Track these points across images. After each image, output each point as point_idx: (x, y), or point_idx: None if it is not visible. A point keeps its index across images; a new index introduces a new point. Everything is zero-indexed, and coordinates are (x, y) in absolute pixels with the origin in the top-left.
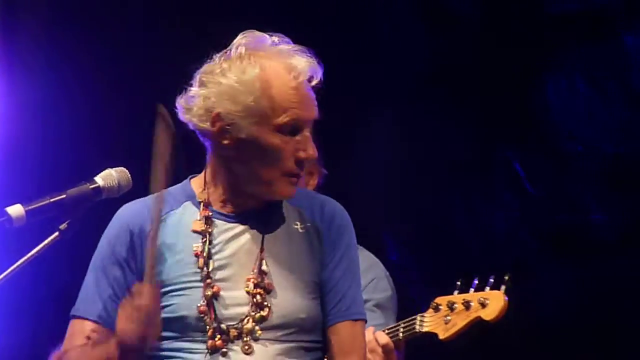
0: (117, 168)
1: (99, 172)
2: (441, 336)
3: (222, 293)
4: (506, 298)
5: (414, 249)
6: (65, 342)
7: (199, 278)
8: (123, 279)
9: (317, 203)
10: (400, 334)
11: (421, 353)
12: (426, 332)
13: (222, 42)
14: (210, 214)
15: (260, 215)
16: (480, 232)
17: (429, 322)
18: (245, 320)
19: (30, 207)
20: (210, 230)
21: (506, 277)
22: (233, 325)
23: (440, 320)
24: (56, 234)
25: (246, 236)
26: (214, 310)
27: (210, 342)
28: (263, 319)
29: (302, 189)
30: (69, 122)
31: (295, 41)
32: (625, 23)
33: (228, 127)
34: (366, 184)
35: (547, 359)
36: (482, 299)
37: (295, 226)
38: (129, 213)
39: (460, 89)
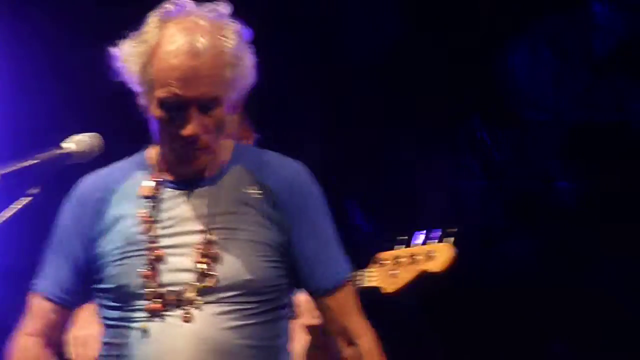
0: (89, 133)
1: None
2: (387, 290)
3: (167, 258)
4: (455, 249)
5: (379, 217)
6: (26, 318)
7: (142, 246)
8: (75, 254)
9: (275, 165)
10: None
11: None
12: (370, 287)
13: None
14: (158, 179)
15: (209, 181)
16: (445, 199)
17: (373, 277)
18: (187, 290)
19: (1, 172)
20: (157, 195)
21: (454, 230)
22: (174, 291)
23: (386, 274)
24: (28, 198)
25: (194, 202)
26: (158, 274)
27: (149, 305)
28: (207, 288)
29: (261, 150)
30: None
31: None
32: None
33: (138, 92)
34: (330, 151)
35: (510, 323)
36: (429, 251)
37: (248, 190)
38: (84, 184)
39: (425, 57)
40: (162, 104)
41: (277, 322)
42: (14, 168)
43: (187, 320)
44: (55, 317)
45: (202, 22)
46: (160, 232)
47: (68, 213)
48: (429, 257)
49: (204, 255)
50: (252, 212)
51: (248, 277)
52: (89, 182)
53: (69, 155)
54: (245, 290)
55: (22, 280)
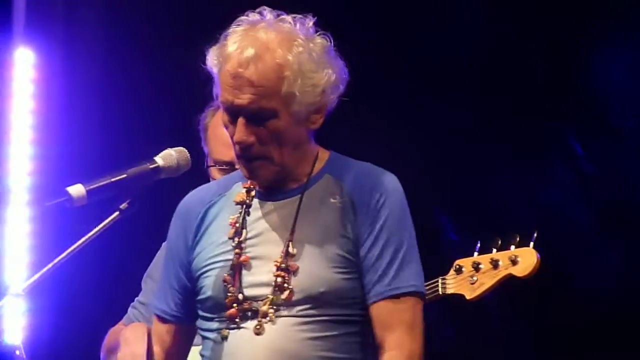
0: (176, 148)
1: (159, 153)
2: (468, 296)
3: (251, 264)
4: (538, 255)
5: (470, 230)
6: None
7: (229, 252)
8: (178, 271)
9: (362, 176)
10: None
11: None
12: (451, 294)
13: None
14: (252, 187)
15: (297, 190)
16: (535, 210)
17: (453, 284)
18: (262, 302)
19: (91, 187)
20: (249, 202)
21: (534, 234)
22: (250, 301)
23: (466, 281)
24: (116, 213)
25: (280, 213)
26: (240, 280)
27: (228, 311)
28: (282, 301)
29: (357, 161)
30: (130, 103)
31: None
32: None
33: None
34: (418, 164)
35: (604, 338)
36: (512, 256)
37: (333, 200)
38: (187, 200)
39: (514, 63)
40: (223, 109)
41: (358, 335)
42: (103, 183)
43: (258, 332)
44: (171, 336)
45: (263, 34)
46: (247, 240)
47: (173, 227)
48: (512, 261)
49: (281, 269)
50: (334, 223)
51: (321, 289)
52: (191, 197)
53: (158, 170)
54: (319, 302)
55: (112, 293)
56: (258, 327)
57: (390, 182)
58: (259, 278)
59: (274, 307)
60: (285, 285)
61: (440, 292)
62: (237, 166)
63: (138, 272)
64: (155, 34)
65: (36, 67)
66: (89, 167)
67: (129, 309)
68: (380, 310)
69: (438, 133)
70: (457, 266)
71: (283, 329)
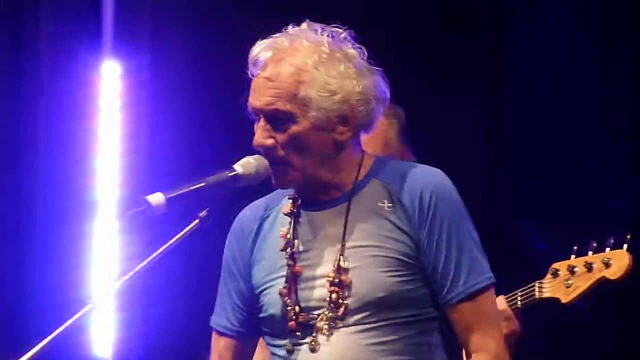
0: (255, 155)
1: (237, 161)
2: (563, 300)
3: (304, 276)
4: (630, 256)
5: (557, 238)
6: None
7: (283, 265)
8: (239, 287)
9: (411, 177)
10: (519, 302)
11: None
12: (547, 298)
13: None
14: (296, 196)
15: (345, 197)
16: (622, 217)
17: (548, 288)
18: (319, 318)
19: (170, 195)
20: (296, 211)
21: (627, 237)
22: (308, 313)
23: (561, 284)
24: (196, 221)
25: (329, 222)
26: (295, 291)
27: (289, 323)
28: (337, 316)
29: (403, 162)
30: (215, 113)
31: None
32: None
33: None
34: (498, 173)
35: None
36: (605, 259)
37: (382, 205)
38: (242, 215)
39: (604, 80)
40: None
41: (424, 336)
42: (182, 191)
43: (312, 349)
44: (233, 352)
45: (284, 40)
46: (298, 250)
47: (228, 245)
48: (606, 264)
49: (334, 284)
50: (385, 226)
51: (379, 294)
52: (247, 212)
53: (237, 178)
54: (377, 307)
55: (195, 303)
56: (313, 342)
57: (439, 179)
58: (313, 293)
59: (330, 323)
60: (340, 301)
61: (537, 296)
62: None
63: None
64: (239, 42)
65: (123, 79)
66: (176, 177)
67: None
68: (458, 314)
69: (516, 145)
70: (554, 270)
71: (341, 340)
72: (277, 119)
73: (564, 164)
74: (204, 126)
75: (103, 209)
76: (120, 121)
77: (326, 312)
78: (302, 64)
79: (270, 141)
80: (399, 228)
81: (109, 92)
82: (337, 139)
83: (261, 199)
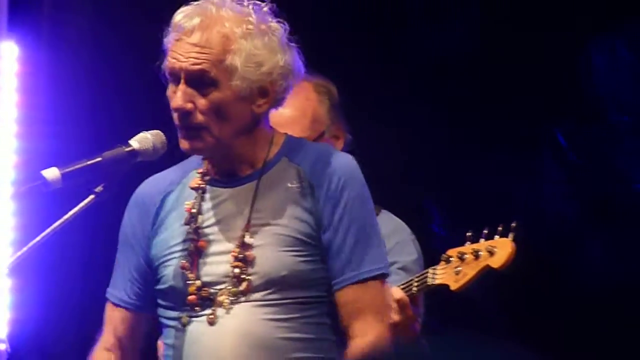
0: (152, 131)
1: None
2: (452, 287)
3: (207, 251)
4: (514, 244)
5: (455, 220)
6: (103, 329)
7: (186, 238)
8: (137, 259)
9: (320, 159)
10: (414, 288)
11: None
12: (438, 285)
13: None
14: (206, 172)
15: (253, 176)
16: (525, 203)
17: (440, 274)
18: (219, 293)
19: (66, 170)
20: (204, 187)
21: (513, 224)
22: (209, 288)
23: (451, 271)
24: (91, 196)
25: (236, 200)
26: (197, 266)
27: (189, 297)
28: (240, 292)
29: (315, 144)
30: (113, 94)
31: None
32: None
33: None
34: (408, 153)
35: (591, 328)
36: (490, 247)
37: (291, 185)
38: (142, 187)
39: (503, 61)
40: (168, 79)
41: (325, 317)
42: (78, 166)
43: (211, 322)
44: (127, 324)
45: (212, 7)
46: (203, 227)
47: (127, 218)
48: (490, 252)
49: (238, 259)
50: (292, 207)
51: (282, 273)
52: (147, 185)
53: (134, 153)
54: (280, 286)
55: (90, 279)
56: (211, 315)
57: (349, 164)
58: (216, 268)
59: (231, 298)
60: (243, 276)
61: (429, 283)
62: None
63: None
64: (138, 26)
65: (20, 60)
66: (74, 159)
67: None
68: (346, 297)
69: (427, 127)
70: (446, 256)
71: (242, 314)
72: (201, 83)
73: (463, 155)
74: (102, 107)
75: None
76: (18, 102)
77: (228, 287)
78: (230, 33)
79: (190, 105)
80: (305, 209)
81: (7, 73)
82: (255, 111)
83: (164, 171)
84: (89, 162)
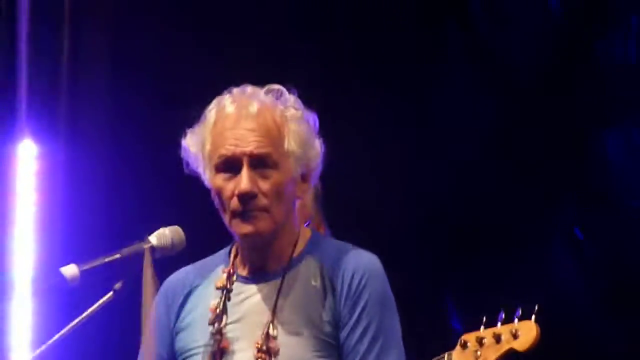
0: (170, 227)
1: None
2: None
3: (231, 349)
4: (538, 327)
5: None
6: None
7: (209, 338)
8: (159, 351)
9: (342, 258)
10: None
11: None
12: None
13: None
14: (232, 271)
15: (280, 272)
16: (539, 294)
17: (458, 359)
18: None
19: (84, 267)
20: (229, 287)
21: (536, 308)
22: None
23: (470, 356)
24: (110, 293)
25: (262, 295)
26: None
27: None
28: None
29: (338, 242)
30: (130, 192)
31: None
32: None
33: (202, 175)
34: (422, 248)
35: None
36: (513, 330)
37: (314, 283)
38: (169, 281)
39: (518, 148)
40: (218, 168)
41: None
42: (96, 263)
43: None
44: None
45: (260, 96)
46: (227, 325)
47: (155, 307)
48: (514, 335)
49: (262, 351)
50: (315, 306)
51: None
52: (174, 279)
53: (152, 249)
54: None
55: None
56: None
57: (371, 263)
58: None
59: None
60: None
61: None
62: None
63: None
64: (155, 121)
65: (39, 159)
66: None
67: None
68: None
69: (440, 214)
70: (463, 341)
71: None
72: (264, 166)
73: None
74: (119, 204)
75: (19, 289)
76: (36, 201)
77: None
78: (282, 118)
79: (256, 189)
80: (326, 308)
81: (25, 172)
82: (298, 196)
83: (190, 265)
84: (107, 259)
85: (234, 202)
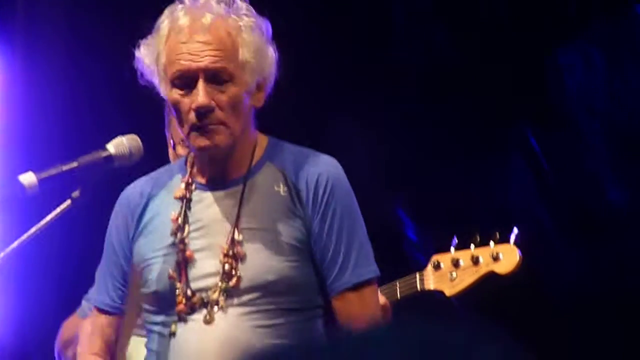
0: (128, 135)
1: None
2: (448, 293)
3: (195, 258)
4: (519, 251)
5: (426, 225)
6: (89, 333)
7: (172, 248)
8: (119, 262)
9: (305, 163)
10: (398, 293)
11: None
12: (429, 290)
13: None
14: (190, 181)
15: (239, 180)
16: (495, 209)
17: (432, 280)
18: (212, 291)
19: (42, 176)
20: (189, 196)
21: (514, 232)
22: (200, 293)
23: (445, 277)
24: (68, 202)
25: (223, 203)
26: (186, 275)
27: (177, 307)
28: (231, 288)
29: (296, 147)
30: (88, 101)
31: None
32: None
33: (157, 86)
34: (381, 161)
35: (562, 335)
36: (494, 253)
37: (277, 189)
38: (126, 193)
39: (474, 68)
40: (174, 83)
41: (309, 322)
42: (54, 171)
43: (208, 322)
44: (114, 328)
45: (213, 5)
46: (190, 234)
47: (112, 223)
48: (494, 258)
49: (228, 256)
50: (279, 210)
51: (270, 277)
52: (130, 191)
53: (110, 158)
54: (267, 290)
55: (68, 284)
56: (208, 316)
57: (333, 167)
58: (206, 270)
59: (224, 295)
60: (233, 272)
61: (419, 288)
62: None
63: (92, 263)
64: (109, 34)
65: None
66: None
67: (83, 302)
68: (344, 302)
69: (399, 132)
70: (436, 262)
71: (233, 318)
72: (219, 79)
73: (435, 161)
74: (78, 113)
75: None
76: None
77: (220, 284)
78: (235, 27)
79: (213, 102)
80: (292, 212)
81: None
82: (254, 105)
83: (147, 176)
84: (65, 168)
85: (191, 117)
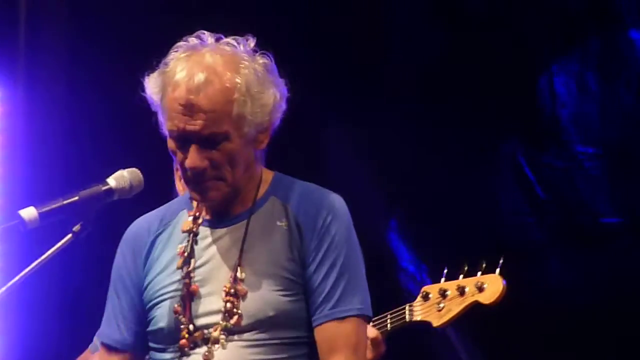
0: (128, 169)
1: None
2: (435, 324)
3: (199, 295)
4: (504, 281)
5: (421, 253)
6: None
7: (178, 283)
8: (131, 299)
9: (307, 197)
10: (388, 325)
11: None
12: (417, 321)
13: None
14: (197, 214)
15: (244, 215)
16: (488, 230)
17: (420, 311)
18: (213, 329)
19: (43, 210)
20: (196, 230)
21: (500, 261)
22: (202, 330)
23: (432, 308)
24: (69, 236)
25: (228, 239)
26: (190, 310)
27: (180, 341)
28: (232, 326)
29: (302, 182)
30: (89, 134)
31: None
32: (632, 18)
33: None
34: (374, 173)
35: (552, 348)
36: (479, 283)
37: (280, 223)
38: (134, 227)
39: (467, 88)
40: (171, 135)
41: (307, 357)
42: (55, 205)
43: (207, 358)
44: None
45: (209, 58)
46: (195, 269)
47: (119, 257)
48: (479, 288)
49: (230, 294)
50: (281, 245)
51: (270, 313)
52: (138, 224)
53: (110, 191)
54: (267, 326)
55: (71, 316)
56: (207, 353)
57: (336, 202)
58: (209, 306)
59: (225, 333)
60: (235, 310)
61: (407, 320)
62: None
63: (100, 296)
64: (112, 68)
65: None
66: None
67: (95, 337)
68: (324, 333)
69: (391, 155)
70: (424, 293)
71: (233, 353)
72: (212, 140)
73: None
74: (79, 146)
75: None
76: None
77: (221, 322)
78: (232, 83)
79: (206, 162)
80: (292, 246)
81: None
82: (257, 149)
83: (153, 211)
84: (65, 202)
85: (187, 172)
